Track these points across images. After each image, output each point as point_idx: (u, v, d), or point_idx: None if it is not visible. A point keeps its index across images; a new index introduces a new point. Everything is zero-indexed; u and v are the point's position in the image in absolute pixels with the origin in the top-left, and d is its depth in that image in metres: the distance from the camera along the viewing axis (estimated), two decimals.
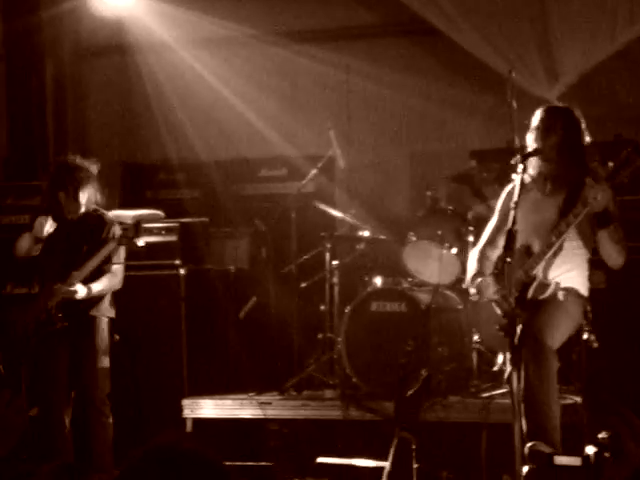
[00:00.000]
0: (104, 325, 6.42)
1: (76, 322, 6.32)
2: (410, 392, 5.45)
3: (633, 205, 6.66)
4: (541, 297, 5.48)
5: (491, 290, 5.56)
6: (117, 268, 6.38)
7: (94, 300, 6.37)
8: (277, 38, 9.08)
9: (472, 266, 5.85)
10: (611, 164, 5.35)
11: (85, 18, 9.06)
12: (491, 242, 5.83)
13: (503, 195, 5.84)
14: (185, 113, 9.28)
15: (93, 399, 6.34)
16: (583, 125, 5.68)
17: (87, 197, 6.36)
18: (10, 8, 8.98)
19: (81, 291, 6.24)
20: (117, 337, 6.49)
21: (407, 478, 5.36)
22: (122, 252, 6.39)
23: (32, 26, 8.88)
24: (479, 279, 5.69)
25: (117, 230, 6.32)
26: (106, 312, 6.45)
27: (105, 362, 6.37)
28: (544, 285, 5.48)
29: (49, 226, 6.56)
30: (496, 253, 5.75)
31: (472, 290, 5.74)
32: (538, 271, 5.49)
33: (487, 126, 8.41)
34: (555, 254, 5.51)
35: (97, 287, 6.32)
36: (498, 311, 5.41)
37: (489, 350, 5.74)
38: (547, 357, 5.31)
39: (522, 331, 5.23)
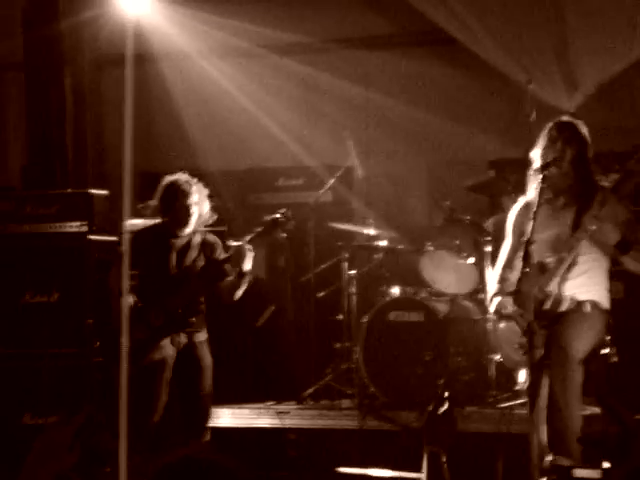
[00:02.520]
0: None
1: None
2: (443, 409, 5.45)
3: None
4: (561, 310, 5.45)
5: (510, 308, 5.52)
6: None
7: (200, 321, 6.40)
8: (295, 48, 9.11)
9: (493, 287, 5.81)
10: (615, 176, 5.33)
11: (104, 27, 9.10)
12: (509, 264, 5.77)
13: (512, 215, 5.75)
14: (203, 122, 9.30)
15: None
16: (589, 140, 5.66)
17: (197, 216, 6.35)
18: (30, 18, 9.00)
19: None
20: None
21: None
22: None
23: (51, 36, 8.89)
24: (499, 298, 5.63)
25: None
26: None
27: None
28: (559, 300, 5.45)
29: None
30: (515, 274, 5.69)
31: (491, 309, 5.71)
32: (553, 287, 5.46)
33: (505, 136, 8.40)
34: (569, 268, 5.48)
35: None
36: (517, 329, 5.38)
37: (510, 369, 5.72)
38: (573, 368, 5.30)
39: (548, 342, 5.24)
